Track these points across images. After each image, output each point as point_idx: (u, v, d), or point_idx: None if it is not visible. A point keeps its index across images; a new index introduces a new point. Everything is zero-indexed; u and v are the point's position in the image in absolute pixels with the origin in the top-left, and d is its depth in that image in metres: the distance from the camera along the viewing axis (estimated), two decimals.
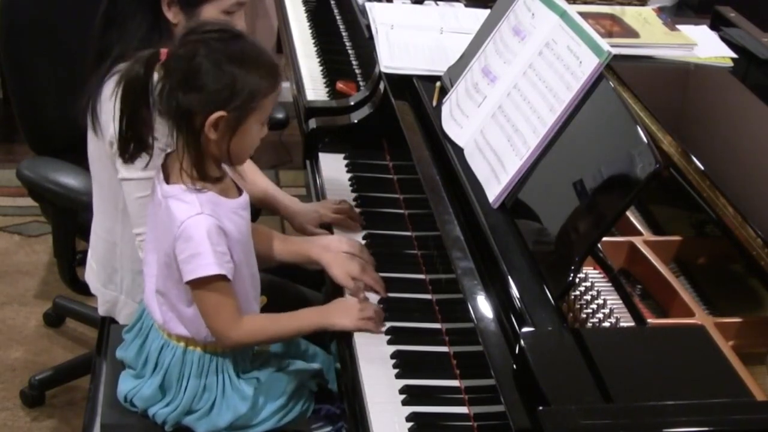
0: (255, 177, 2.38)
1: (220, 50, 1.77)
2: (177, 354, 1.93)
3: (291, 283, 2.33)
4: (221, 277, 1.81)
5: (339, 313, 1.95)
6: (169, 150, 1.89)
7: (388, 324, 1.97)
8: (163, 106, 1.79)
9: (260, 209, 2.57)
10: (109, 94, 2.06)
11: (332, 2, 3.43)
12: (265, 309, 2.02)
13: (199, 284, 1.82)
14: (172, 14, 2.10)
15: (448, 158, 2.04)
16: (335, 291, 2.06)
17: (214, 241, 1.79)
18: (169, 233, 1.82)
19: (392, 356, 1.90)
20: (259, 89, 1.79)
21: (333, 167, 2.53)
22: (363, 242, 2.21)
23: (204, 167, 1.82)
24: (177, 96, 1.76)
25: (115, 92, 1.83)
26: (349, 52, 3.14)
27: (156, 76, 1.80)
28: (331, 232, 2.26)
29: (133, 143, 1.85)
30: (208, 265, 1.79)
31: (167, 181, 1.86)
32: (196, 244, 1.79)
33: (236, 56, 1.78)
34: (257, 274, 1.96)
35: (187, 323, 1.91)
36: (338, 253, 2.08)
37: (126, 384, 1.99)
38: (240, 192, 1.91)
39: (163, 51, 1.79)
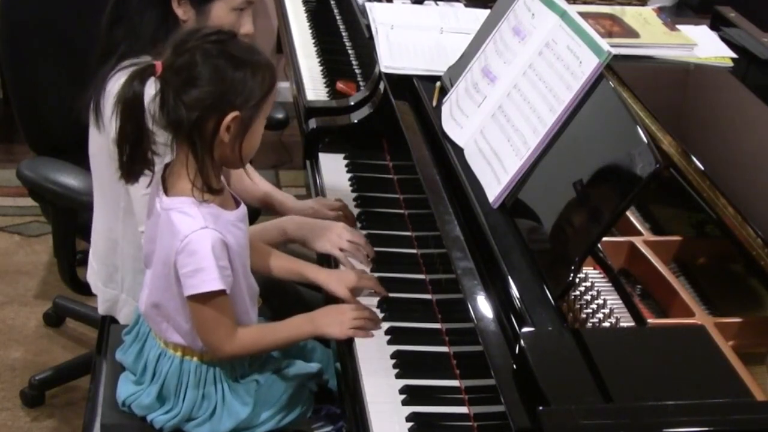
0: (254, 178, 2.39)
1: (220, 53, 1.76)
2: (174, 363, 1.93)
3: (289, 283, 2.33)
4: (222, 292, 1.81)
5: (329, 322, 1.95)
6: (167, 160, 1.88)
7: (388, 324, 1.98)
8: (168, 118, 1.76)
9: (260, 211, 2.58)
10: (114, 90, 2.06)
11: (332, 2, 3.43)
12: (261, 309, 2.02)
13: (199, 299, 1.81)
14: (182, 11, 2.10)
15: (448, 158, 2.04)
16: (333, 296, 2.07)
17: (218, 255, 1.79)
18: (169, 246, 1.80)
19: (392, 356, 1.90)
20: (265, 84, 1.79)
21: (333, 167, 2.53)
22: None
23: (209, 178, 1.81)
24: (184, 106, 1.74)
25: (114, 115, 1.79)
26: (349, 52, 3.14)
27: (150, 90, 1.78)
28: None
29: (137, 163, 1.82)
30: (212, 281, 1.79)
31: (166, 193, 1.85)
32: (200, 258, 1.78)
33: (237, 56, 1.77)
34: (254, 284, 1.96)
35: (183, 334, 1.91)
36: (332, 271, 2.09)
37: (125, 389, 1.99)
38: (237, 204, 1.91)
39: (158, 64, 1.77)
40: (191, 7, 2.10)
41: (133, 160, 1.81)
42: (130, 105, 1.76)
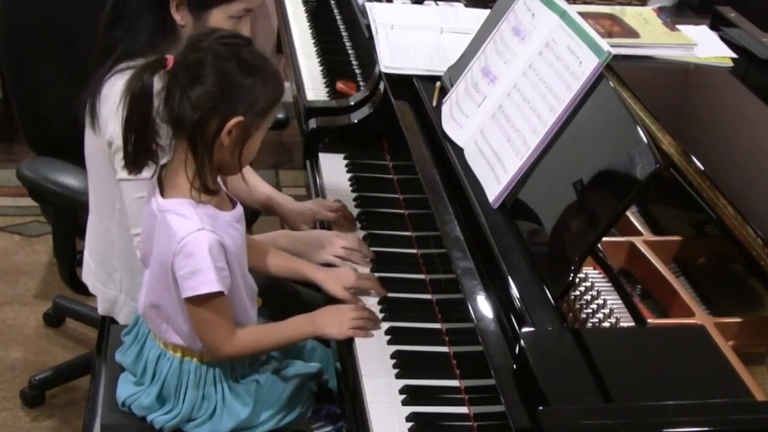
0: (254, 180, 2.39)
1: (232, 57, 1.76)
2: (174, 364, 1.93)
3: (289, 283, 2.33)
4: (219, 294, 1.81)
5: (328, 322, 1.95)
6: (165, 160, 1.88)
7: (388, 324, 1.98)
8: (173, 113, 1.76)
9: (259, 211, 2.58)
10: (110, 93, 2.07)
11: (332, 2, 3.43)
12: (261, 309, 2.02)
13: (197, 301, 1.81)
14: (179, 16, 2.10)
15: (448, 158, 2.04)
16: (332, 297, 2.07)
17: (215, 257, 1.78)
18: (166, 248, 1.80)
19: (392, 356, 1.90)
20: (272, 95, 1.79)
21: (333, 167, 2.53)
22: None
23: (206, 179, 1.80)
24: (189, 103, 1.74)
25: (121, 104, 1.79)
26: (349, 52, 3.14)
27: (157, 83, 1.78)
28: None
29: (140, 154, 1.82)
30: (209, 282, 1.78)
31: (162, 194, 1.84)
32: (197, 260, 1.77)
33: (248, 62, 1.77)
34: (253, 283, 1.96)
35: (183, 335, 1.91)
36: (330, 270, 2.10)
37: (125, 389, 1.98)
38: (233, 204, 1.91)
39: (170, 57, 1.77)
40: (189, 13, 2.10)
41: (138, 150, 1.81)
42: (138, 95, 1.76)
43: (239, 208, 1.90)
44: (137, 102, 1.77)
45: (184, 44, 1.81)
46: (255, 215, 2.68)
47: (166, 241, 1.80)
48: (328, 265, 2.15)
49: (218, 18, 2.09)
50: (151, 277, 1.90)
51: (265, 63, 1.81)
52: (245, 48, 1.80)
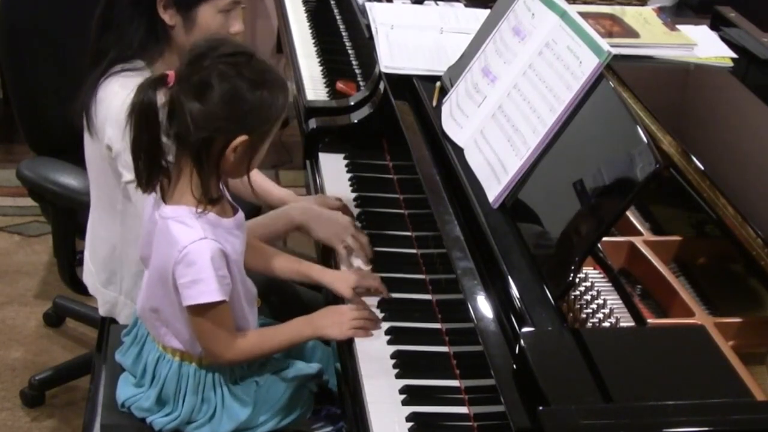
0: (267, 185, 2.38)
1: (237, 76, 1.74)
2: (173, 368, 1.93)
3: (289, 283, 2.33)
4: (221, 303, 1.81)
5: (328, 323, 1.95)
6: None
7: (388, 324, 1.98)
8: (178, 131, 1.74)
9: (260, 209, 2.57)
10: (105, 96, 2.06)
11: (332, 2, 3.43)
12: (260, 309, 2.02)
13: (198, 309, 1.81)
14: (168, 16, 2.09)
15: (448, 158, 2.04)
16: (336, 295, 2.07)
17: (217, 266, 1.78)
18: (167, 255, 1.79)
19: (392, 356, 1.90)
20: (278, 110, 1.79)
21: (333, 167, 2.53)
22: None
23: (210, 190, 1.79)
24: (194, 123, 1.72)
25: (127, 125, 1.76)
26: (349, 52, 3.14)
27: (159, 97, 1.75)
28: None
29: (153, 172, 1.80)
30: (211, 292, 1.78)
31: (164, 200, 1.83)
32: (198, 269, 1.77)
33: (254, 80, 1.75)
34: (251, 287, 1.96)
35: (181, 339, 1.91)
36: (338, 272, 2.09)
37: (125, 390, 1.98)
38: (234, 211, 1.90)
39: (170, 74, 1.75)
40: (177, 13, 2.09)
41: (150, 169, 1.79)
42: (145, 114, 1.74)
43: (240, 215, 1.90)
44: (144, 121, 1.74)
45: (185, 58, 1.78)
46: (256, 212, 2.68)
47: (167, 249, 1.79)
48: (328, 263, 2.15)
49: (207, 14, 2.08)
50: (150, 281, 1.90)
51: (269, 75, 1.78)
52: (248, 64, 1.76)
